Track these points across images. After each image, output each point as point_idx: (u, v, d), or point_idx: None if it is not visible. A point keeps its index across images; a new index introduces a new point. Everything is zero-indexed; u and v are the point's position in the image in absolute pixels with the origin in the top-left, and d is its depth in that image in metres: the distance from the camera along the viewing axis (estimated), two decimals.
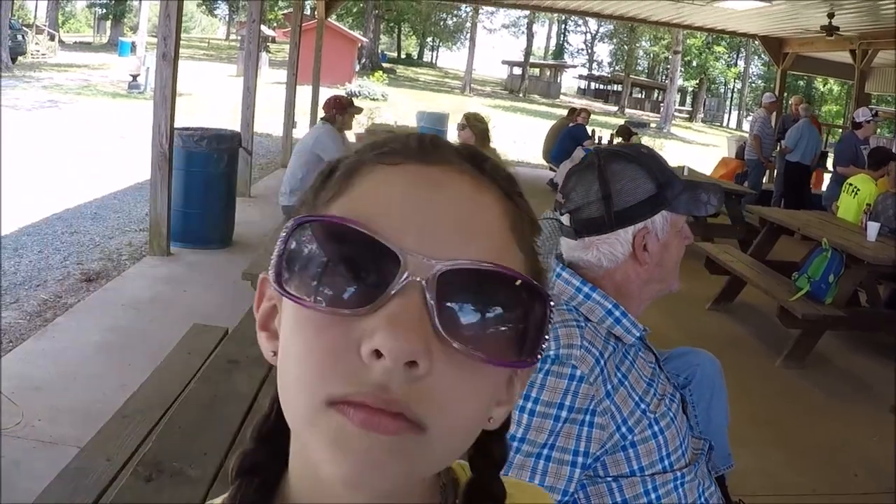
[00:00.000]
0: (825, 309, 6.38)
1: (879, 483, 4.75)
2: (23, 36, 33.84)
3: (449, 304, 0.62)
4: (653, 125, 46.24)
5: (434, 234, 0.64)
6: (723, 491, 2.91)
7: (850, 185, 8.99)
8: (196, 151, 7.94)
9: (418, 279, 0.61)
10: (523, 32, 69.82)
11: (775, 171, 14.10)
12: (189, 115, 14.17)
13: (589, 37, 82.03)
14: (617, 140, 16.88)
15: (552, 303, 0.67)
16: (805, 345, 6.60)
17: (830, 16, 12.27)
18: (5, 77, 24.34)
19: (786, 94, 18.19)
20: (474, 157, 0.73)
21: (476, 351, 0.62)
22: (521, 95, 57.37)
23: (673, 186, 2.04)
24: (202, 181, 8.08)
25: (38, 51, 36.56)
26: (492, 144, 8.02)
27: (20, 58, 31.66)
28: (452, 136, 8.62)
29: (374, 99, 33.39)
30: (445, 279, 0.62)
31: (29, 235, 8.32)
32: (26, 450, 3.97)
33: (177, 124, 7.67)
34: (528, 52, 64.19)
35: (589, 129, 15.54)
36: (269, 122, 16.93)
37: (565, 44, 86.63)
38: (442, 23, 70.56)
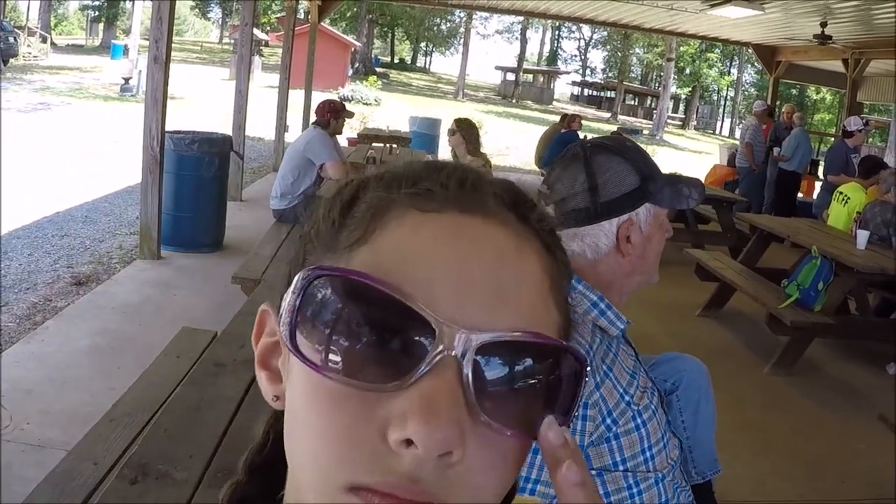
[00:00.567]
0: (814, 316, 6.40)
1: (867, 490, 4.76)
2: (14, 38, 33.73)
3: (484, 379, 0.57)
4: (646, 132, 46.34)
5: (472, 300, 0.58)
6: (710, 496, 2.92)
7: (841, 193, 9.02)
8: (187, 155, 7.93)
9: (454, 353, 0.56)
10: (517, 38, 69.91)
11: (765, 178, 14.15)
12: (181, 119, 14.12)
13: (583, 43, 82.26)
14: None
15: (588, 367, 0.62)
16: (794, 352, 6.61)
17: (823, 25, 12.31)
18: None
19: (778, 102, 18.23)
20: (518, 203, 0.67)
21: (512, 428, 0.58)
22: (514, 101, 57.37)
23: (656, 180, 2.06)
24: (193, 185, 8.06)
25: (30, 53, 36.44)
26: (483, 150, 8.04)
27: (12, 60, 31.58)
28: (444, 141, 8.61)
29: (366, 103, 33.42)
30: (482, 352, 0.57)
31: (19, 238, 8.30)
32: (15, 453, 3.96)
33: (169, 128, 7.66)
34: (521, 57, 64.19)
35: (581, 135, 15.52)
36: (261, 125, 16.92)
37: (559, 50, 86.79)
38: (435, 28, 70.65)
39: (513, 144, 24.09)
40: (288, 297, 0.59)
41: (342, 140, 12.17)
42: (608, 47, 71.90)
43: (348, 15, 58.39)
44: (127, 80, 26.70)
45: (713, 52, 57.57)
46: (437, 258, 0.59)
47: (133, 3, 40.09)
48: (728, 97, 74.15)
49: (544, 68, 74.35)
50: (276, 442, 0.68)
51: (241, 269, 5.97)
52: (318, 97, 10.78)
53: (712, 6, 12.25)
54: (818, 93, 57.44)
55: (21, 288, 6.84)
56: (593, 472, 1.90)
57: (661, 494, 1.97)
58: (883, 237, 7.56)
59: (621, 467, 1.91)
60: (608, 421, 1.88)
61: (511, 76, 65.92)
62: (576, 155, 2.10)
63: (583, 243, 2.06)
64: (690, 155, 35.43)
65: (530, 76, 69.32)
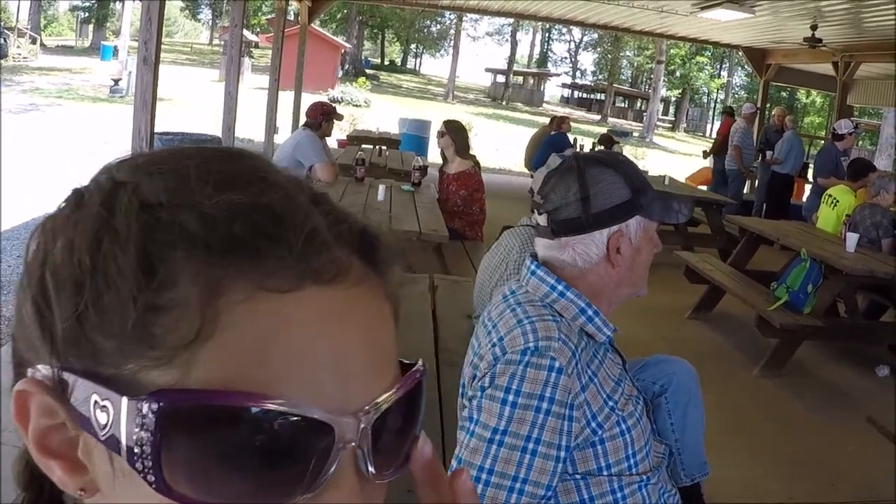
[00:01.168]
0: (803, 319, 6.41)
1: (857, 492, 4.76)
2: (4, 39, 33.71)
3: (379, 449, 0.55)
4: (635, 134, 46.45)
5: (354, 381, 0.54)
6: (698, 498, 2.93)
7: (830, 196, 9.03)
8: None
9: (352, 444, 0.53)
10: (507, 40, 70.06)
11: (756, 181, 14.20)
12: (171, 120, 14.12)
13: (573, 45, 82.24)
14: (599, 148, 16.93)
15: (422, 367, 0.61)
16: (783, 354, 6.62)
17: (813, 28, 12.32)
18: None
19: (769, 105, 18.27)
20: (364, 246, 0.59)
21: (399, 469, 0.59)
22: (504, 103, 57.43)
23: (647, 193, 2.10)
24: None
25: (20, 54, 36.35)
26: (472, 152, 8.04)
27: (1, 61, 31.49)
28: (433, 142, 8.62)
29: (356, 105, 33.45)
30: (374, 425, 0.55)
31: (8, 240, 8.25)
32: (8, 454, 3.94)
33: (158, 129, 7.63)
34: (511, 59, 64.21)
35: (571, 137, 15.56)
36: (251, 127, 16.88)
37: (549, 52, 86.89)
38: (426, 30, 70.67)
39: (502, 146, 24.10)
40: (126, 429, 0.50)
41: (332, 142, 12.16)
42: (598, 50, 71.89)
43: (338, 16, 58.39)
44: (116, 81, 26.63)
45: (703, 54, 57.65)
46: (310, 350, 0.53)
47: (123, 4, 40.09)
48: (718, 100, 74.29)
49: (534, 70, 74.58)
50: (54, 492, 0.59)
51: None
52: (307, 99, 10.79)
53: (702, 8, 12.25)
54: (808, 96, 57.56)
55: (10, 289, 6.80)
56: (577, 477, 1.93)
57: (646, 499, 2.01)
58: (872, 239, 7.58)
59: (605, 473, 1.95)
60: (593, 425, 1.91)
61: (501, 78, 66.00)
62: (570, 167, 2.14)
63: (574, 252, 2.10)
64: (680, 157, 35.48)
65: (520, 78, 69.49)
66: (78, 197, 0.58)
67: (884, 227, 7.69)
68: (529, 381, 1.83)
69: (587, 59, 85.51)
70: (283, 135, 12.26)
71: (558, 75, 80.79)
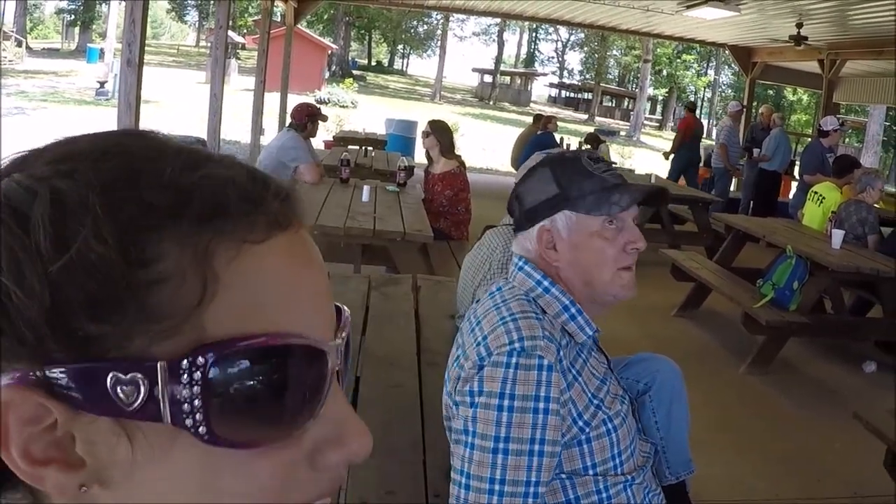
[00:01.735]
0: (789, 315, 6.42)
1: (843, 488, 4.78)
2: None
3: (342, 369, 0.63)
4: (622, 133, 46.57)
5: (327, 310, 0.63)
6: (684, 496, 2.92)
7: (815, 193, 9.05)
8: None
9: (338, 366, 0.61)
10: (494, 40, 69.98)
11: (742, 179, 14.25)
12: (158, 123, 14.03)
13: (560, 45, 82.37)
14: (585, 147, 16.95)
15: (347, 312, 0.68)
16: (769, 351, 6.63)
17: (799, 26, 12.38)
18: None
19: (755, 104, 18.34)
20: (290, 197, 0.63)
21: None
22: (491, 103, 57.53)
23: (580, 188, 2.08)
24: None
25: (6, 57, 36.19)
26: (458, 151, 8.03)
27: None
28: (420, 143, 8.61)
29: (343, 106, 33.46)
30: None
31: None
32: None
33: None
34: (498, 59, 64.29)
35: (557, 136, 15.59)
36: (238, 129, 16.89)
37: (536, 52, 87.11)
38: (412, 30, 70.60)
39: (489, 146, 24.14)
40: (170, 392, 0.53)
41: (318, 143, 12.14)
42: (585, 49, 72.06)
43: (325, 17, 58.37)
44: (102, 83, 26.56)
45: (690, 53, 57.80)
46: (296, 290, 0.59)
47: (109, 6, 39.98)
48: (705, 98, 74.49)
49: (521, 70, 74.71)
50: None
51: None
52: (294, 100, 10.76)
53: (688, 7, 12.30)
54: (795, 94, 57.74)
55: None
56: (563, 476, 1.93)
57: (631, 499, 2.01)
58: (858, 236, 7.61)
59: (591, 472, 1.94)
60: (580, 423, 1.92)
61: (488, 78, 66.10)
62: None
63: (520, 247, 2.18)
64: None
65: (507, 78, 69.57)
66: (10, 193, 0.55)
67: (869, 223, 7.72)
68: (522, 383, 1.83)
69: (574, 59, 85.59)
70: (270, 136, 12.27)
71: (545, 75, 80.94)
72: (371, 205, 6.76)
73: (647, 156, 31.97)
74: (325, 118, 8.21)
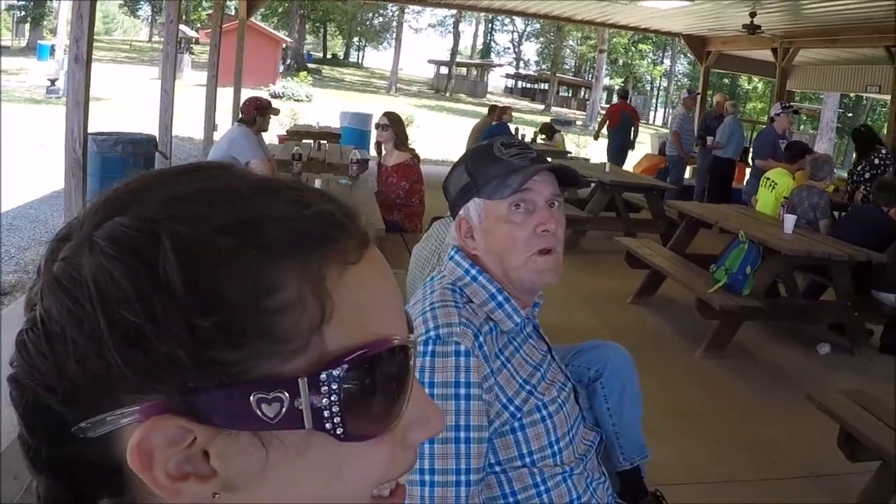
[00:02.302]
0: (742, 300, 6.48)
1: (798, 468, 4.83)
2: None
3: None
4: (578, 123, 46.69)
5: (401, 312, 0.71)
6: (638, 482, 2.93)
7: (768, 179, 9.14)
8: (111, 157, 7.80)
9: (414, 360, 0.69)
10: (450, 31, 69.89)
11: (696, 167, 14.36)
12: (109, 120, 13.93)
13: (516, 36, 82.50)
14: (541, 137, 17.02)
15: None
16: (723, 336, 6.68)
17: (752, 14, 12.47)
18: None
19: (710, 92, 18.47)
20: (359, 216, 0.71)
21: None
22: (447, 95, 57.55)
23: (486, 174, 2.09)
24: None
25: None
26: (413, 144, 8.02)
27: None
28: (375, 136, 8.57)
29: (298, 100, 33.28)
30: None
31: None
32: None
33: (93, 129, 7.51)
34: (454, 51, 64.26)
35: (513, 127, 15.61)
36: (191, 125, 16.74)
37: (492, 43, 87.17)
38: (368, 22, 70.31)
39: (445, 138, 24.11)
40: (311, 402, 0.61)
41: (272, 138, 12.06)
42: (541, 40, 72.23)
43: (279, 11, 58.00)
44: (53, 81, 26.15)
45: (646, 42, 58.17)
46: (385, 298, 0.68)
47: (59, 2, 39.48)
48: (661, 87, 74.91)
49: (477, 61, 74.66)
50: None
51: None
52: (248, 95, 10.68)
53: None
54: (750, 82, 58.23)
55: None
56: (499, 470, 1.93)
57: (571, 491, 2.01)
58: (810, 221, 7.69)
59: (527, 460, 1.94)
60: (511, 408, 1.92)
61: (444, 70, 66.06)
62: None
63: (450, 237, 2.20)
64: None
65: (463, 69, 69.54)
66: (129, 238, 0.60)
67: (821, 208, 7.81)
68: (440, 370, 1.83)
69: (530, 50, 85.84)
70: (223, 132, 12.17)
71: (501, 66, 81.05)
72: None
73: (603, 145, 32.07)
74: (276, 111, 8.16)
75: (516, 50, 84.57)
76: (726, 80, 56.04)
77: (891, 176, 9.20)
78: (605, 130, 16.60)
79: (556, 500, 1.99)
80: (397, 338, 0.65)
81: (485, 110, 17.32)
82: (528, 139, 16.55)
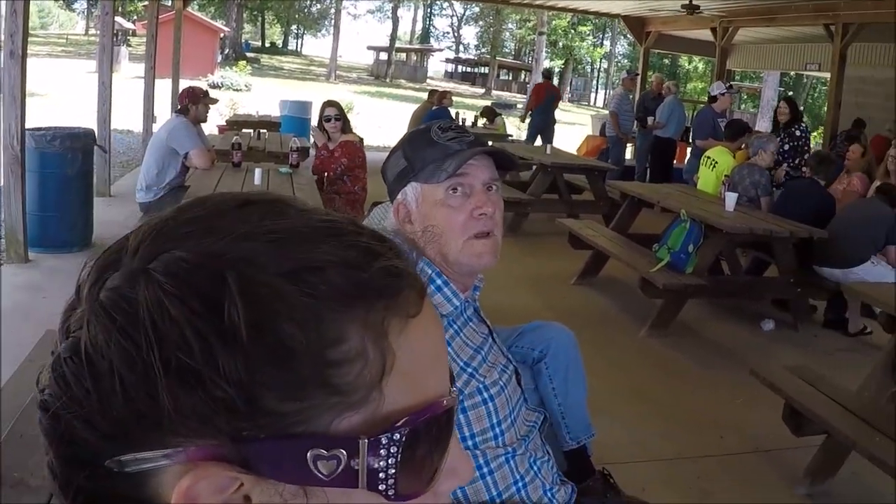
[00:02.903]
0: (686, 278, 6.54)
1: (744, 444, 4.89)
2: None
3: None
4: (519, 106, 46.65)
5: (447, 362, 0.70)
6: (586, 460, 2.96)
7: (708, 157, 9.22)
8: (49, 152, 7.66)
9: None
10: (388, 17, 69.66)
11: (636, 147, 14.48)
12: (47, 115, 13.67)
13: (455, 20, 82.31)
14: (482, 121, 17.04)
15: None
16: (668, 314, 6.74)
17: None
18: None
19: (651, 73, 18.60)
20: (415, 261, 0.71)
21: None
22: (387, 81, 57.34)
23: (423, 158, 2.10)
24: (58, 182, 7.77)
25: None
26: (354, 130, 8.01)
27: None
28: (316, 124, 8.53)
29: (237, 89, 32.95)
30: None
31: None
32: None
33: (30, 125, 7.41)
34: (393, 37, 64.06)
35: (453, 111, 15.64)
36: (130, 117, 16.51)
37: (431, 28, 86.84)
38: (306, 10, 69.85)
39: (385, 124, 24.04)
40: (368, 463, 0.59)
41: (211, 128, 11.94)
42: (481, 23, 72.25)
43: (216, 0, 57.38)
44: None
45: (585, 24, 58.34)
46: (440, 351, 0.68)
47: None
48: (602, 69, 75.22)
49: (417, 46, 74.49)
50: None
51: None
52: (186, 85, 10.57)
53: None
54: (691, 62, 58.64)
55: None
56: None
57: (514, 471, 2.03)
58: (751, 198, 7.79)
59: (469, 443, 1.96)
60: None
61: (384, 56, 65.79)
62: None
63: (389, 222, 2.21)
64: (565, 127, 35.60)
65: (403, 55, 69.36)
66: (190, 276, 0.58)
67: (762, 185, 7.91)
68: None
69: (470, 34, 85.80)
70: (161, 124, 12.05)
71: (441, 50, 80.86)
72: (263, 188, 6.69)
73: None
74: (213, 101, 8.09)
75: (456, 34, 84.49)
76: (666, 61, 56.44)
77: (821, 149, 9.35)
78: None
79: (500, 481, 2.01)
80: (449, 398, 0.64)
81: (425, 95, 17.31)
82: (468, 123, 16.58)
